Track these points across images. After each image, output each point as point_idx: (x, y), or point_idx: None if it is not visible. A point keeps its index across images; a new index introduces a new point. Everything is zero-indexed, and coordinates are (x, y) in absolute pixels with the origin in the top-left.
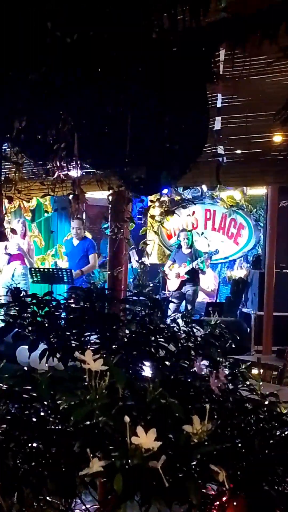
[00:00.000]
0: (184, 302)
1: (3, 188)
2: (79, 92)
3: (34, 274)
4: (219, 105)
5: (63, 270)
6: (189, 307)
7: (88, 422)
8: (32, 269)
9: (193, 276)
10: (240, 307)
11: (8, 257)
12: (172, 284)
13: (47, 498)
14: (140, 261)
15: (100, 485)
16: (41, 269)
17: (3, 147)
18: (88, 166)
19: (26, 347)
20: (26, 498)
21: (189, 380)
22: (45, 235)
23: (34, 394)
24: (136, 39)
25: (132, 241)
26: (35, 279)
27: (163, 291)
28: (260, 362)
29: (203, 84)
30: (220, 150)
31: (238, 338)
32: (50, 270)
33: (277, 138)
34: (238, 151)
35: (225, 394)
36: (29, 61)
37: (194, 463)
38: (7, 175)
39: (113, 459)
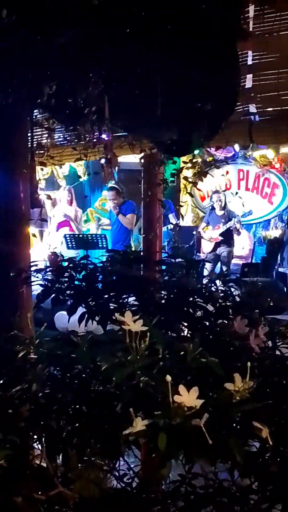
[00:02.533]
0: (219, 264)
1: (35, 154)
2: (108, 55)
3: (69, 241)
4: (249, 62)
5: (98, 236)
6: (224, 268)
7: (129, 383)
8: (67, 235)
9: (227, 238)
10: (276, 267)
11: (56, 224)
12: (207, 246)
13: (91, 459)
14: (175, 223)
15: (143, 445)
16: (76, 235)
17: (34, 113)
18: (120, 130)
19: (64, 312)
20: (70, 459)
21: (228, 339)
22: (79, 201)
23: (75, 356)
24: None
25: (171, 203)
26: (70, 245)
27: (197, 253)
28: None
29: (233, 41)
30: (252, 108)
31: (275, 296)
32: (85, 236)
33: None
34: (270, 109)
35: (265, 352)
36: (57, 24)
37: (237, 420)
38: (39, 141)
39: (156, 419)
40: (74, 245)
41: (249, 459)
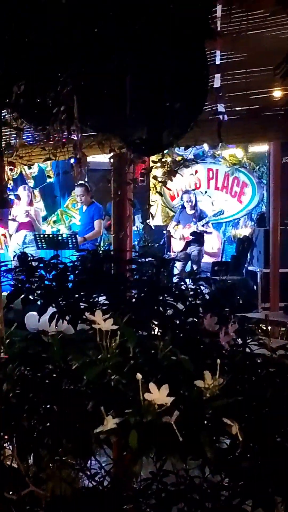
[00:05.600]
0: (189, 263)
1: (3, 154)
2: (77, 54)
3: (39, 241)
4: (218, 62)
5: (68, 236)
6: (194, 267)
7: (100, 381)
8: (37, 236)
9: (198, 237)
10: (246, 265)
11: (17, 224)
12: (177, 245)
13: (63, 458)
14: (145, 222)
15: (115, 443)
16: (46, 235)
17: (3, 113)
18: (89, 129)
19: (35, 313)
20: (42, 459)
21: (198, 337)
22: (48, 201)
23: (46, 355)
24: None
25: (137, 203)
26: (40, 245)
27: (168, 252)
28: (268, 319)
29: (201, 41)
30: (221, 107)
31: (245, 293)
32: (55, 236)
33: (277, 93)
34: (239, 108)
35: (235, 349)
36: (26, 23)
37: (207, 417)
38: (7, 141)
39: (127, 416)
40: (44, 245)
41: (220, 456)
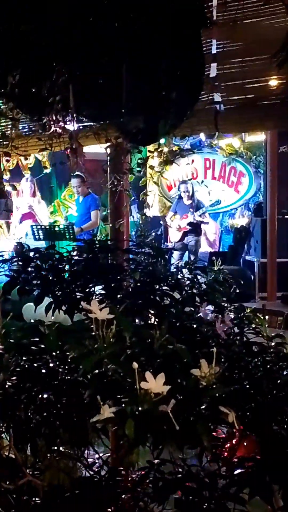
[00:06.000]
0: (186, 253)
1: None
2: (72, 43)
3: (36, 232)
4: (214, 51)
5: (65, 226)
6: (192, 257)
7: (97, 371)
8: (34, 227)
9: (195, 227)
10: (243, 255)
11: (20, 216)
12: (174, 235)
13: (60, 448)
14: (141, 212)
15: (112, 433)
16: (43, 226)
17: None
18: (85, 119)
19: (32, 304)
20: (39, 449)
21: (195, 326)
22: (45, 192)
23: (43, 346)
24: None
25: (133, 193)
26: (37, 236)
27: (165, 243)
28: (265, 309)
29: (197, 30)
30: (217, 97)
31: (242, 283)
32: (52, 227)
33: (274, 82)
34: (236, 98)
35: (232, 338)
36: (20, 12)
37: (204, 406)
38: (3, 131)
39: (123, 405)
40: (41, 236)
41: (217, 444)
